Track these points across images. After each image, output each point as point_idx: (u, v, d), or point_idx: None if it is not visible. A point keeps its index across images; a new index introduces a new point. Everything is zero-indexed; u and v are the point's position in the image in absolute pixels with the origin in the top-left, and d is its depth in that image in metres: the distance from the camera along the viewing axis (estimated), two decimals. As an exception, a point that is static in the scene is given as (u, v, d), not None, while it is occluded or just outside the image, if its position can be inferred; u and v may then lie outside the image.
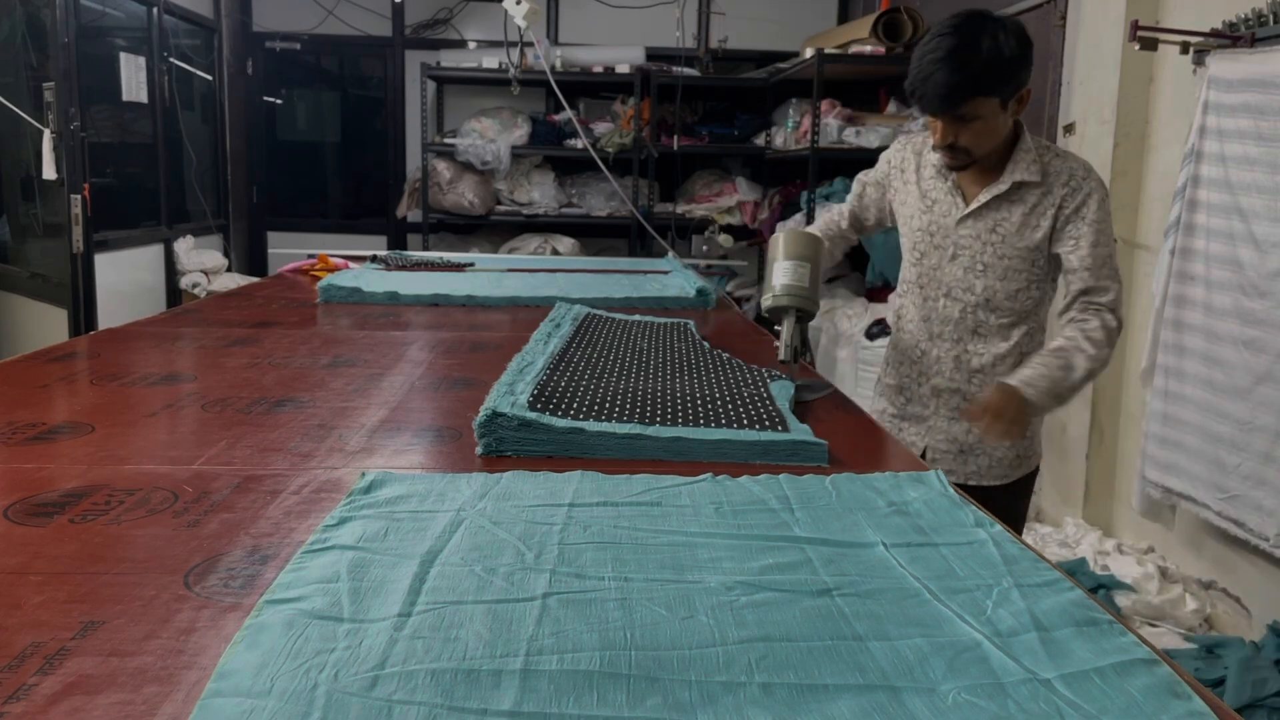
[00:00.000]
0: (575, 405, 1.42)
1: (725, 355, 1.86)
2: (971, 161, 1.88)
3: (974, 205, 1.92)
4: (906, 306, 2.09)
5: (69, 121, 4.31)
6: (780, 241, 1.84)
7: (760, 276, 6.50)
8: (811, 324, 3.15)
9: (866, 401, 2.17)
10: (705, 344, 1.98)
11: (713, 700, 0.72)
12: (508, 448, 1.30)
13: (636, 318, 2.29)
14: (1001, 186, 1.90)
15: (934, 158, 1.98)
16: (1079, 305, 1.87)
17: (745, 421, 1.39)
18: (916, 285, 2.05)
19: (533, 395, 1.42)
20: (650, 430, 1.33)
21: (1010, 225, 1.90)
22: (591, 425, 1.33)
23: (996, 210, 1.91)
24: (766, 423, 1.38)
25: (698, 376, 1.67)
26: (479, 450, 1.30)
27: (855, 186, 2.21)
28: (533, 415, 1.33)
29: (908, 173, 2.06)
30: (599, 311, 2.33)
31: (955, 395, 2.01)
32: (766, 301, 1.81)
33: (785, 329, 1.77)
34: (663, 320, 2.25)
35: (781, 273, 1.80)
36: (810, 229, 2.09)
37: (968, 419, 1.86)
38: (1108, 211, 1.88)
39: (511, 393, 1.43)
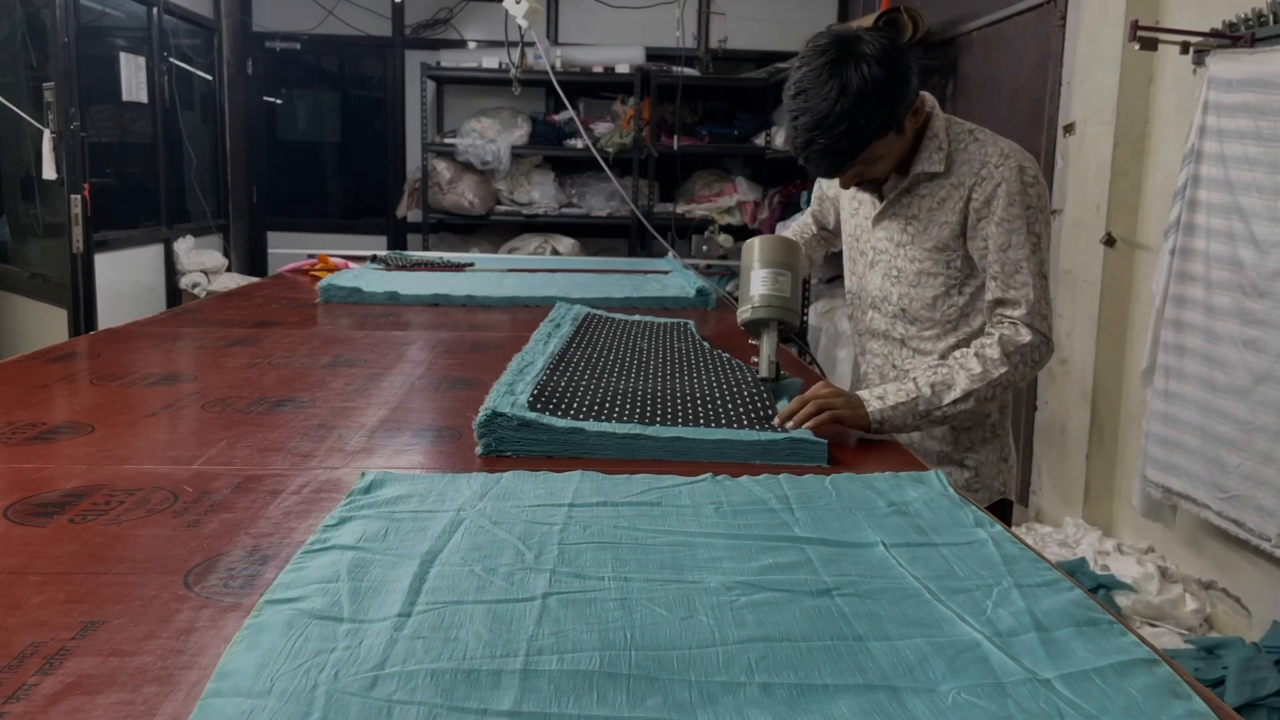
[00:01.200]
0: (575, 405, 1.42)
1: (725, 355, 1.86)
2: (884, 180, 1.73)
3: (883, 204, 1.76)
4: (854, 317, 1.94)
5: (69, 121, 4.31)
6: (755, 248, 1.69)
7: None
8: (810, 324, 3.00)
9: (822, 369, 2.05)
10: (705, 344, 1.98)
11: (713, 700, 0.72)
12: (507, 448, 1.30)
13: (636, 318, 2.29)
14: (904, 181, 1.71)
15: None
16: (992, 318, 1.67)
17: (745, 421, 1.39)
18: (853, 296, 1.90)
19: (532, 395, 1.42)
20: (650, 430, 1.33)
21: (919, 224, 1.72)
22: (591, 425, 1.33)
23: (907, 208, 1.73)
24: (766, 422, 1.38)
25: (698, 376, 1.67)
26: (479, 450, 1.30)
27: (814, 189, 2.07)
28: (532, 415, 1.33)
29: None
30: (599, 312, 2.33)
31: None
32: (744, 315, 1.66)
33: (764, 344, 1.62)
34: (663, 320, 2.25)
35: (759, 281, 1.65)
36: (786, 234, 1.97)
37: (781, 418, 1.46)
38: (1028, 204, 1.62)
39: (511, 393, 1.43)
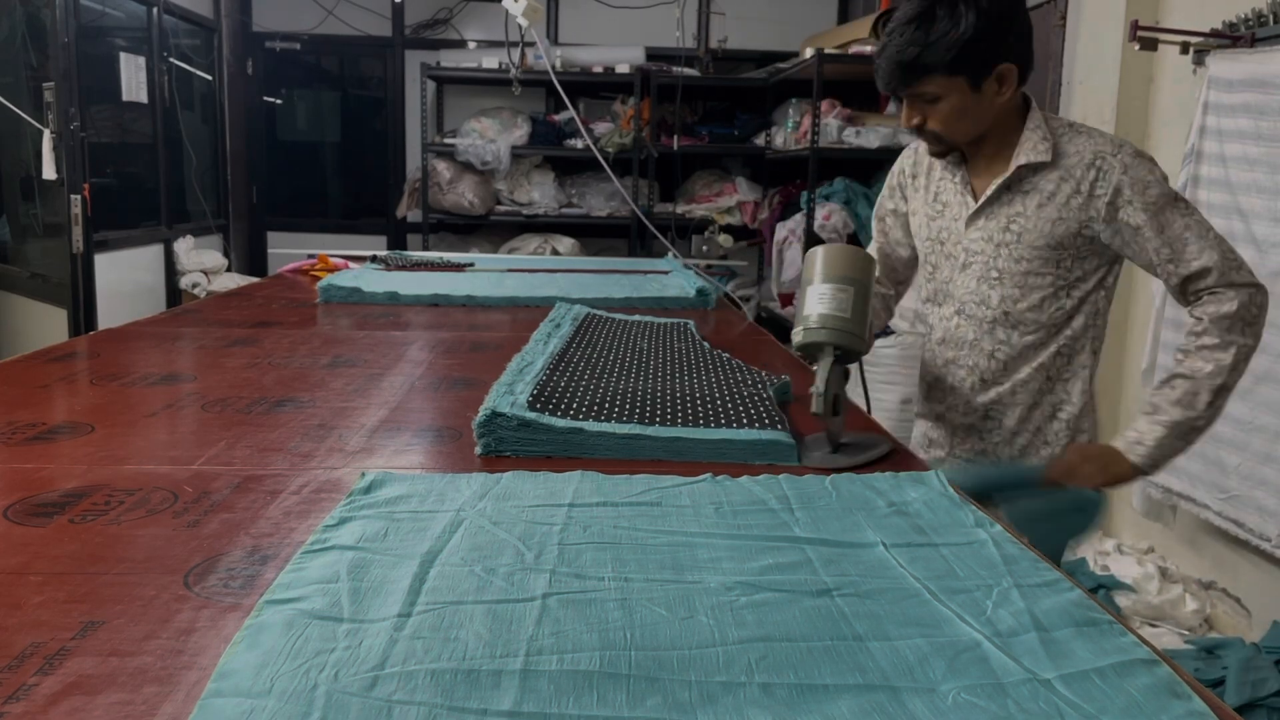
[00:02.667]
0: (575, 405, 1.42)
1: (725, 355, 1.86)
2: (949, 148, 1.67)
3: (981, 200, 1.68)
4: (930, 325, 1.85)
5: (69, 121, 4.31)
6: (817, 259, 1.43)
7: (760, 276, 6.50)
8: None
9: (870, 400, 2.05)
10: (705, 344, 1.98)
11: (713, 700, 0.72)
12: (507, 448, 1.30)
13: (636, 318, 2.29)
14: (1007, 174, 1.64)
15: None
16: (1191, 300, 1.60)
17: (745, 421, 1.39)
18: (933, 302, 1.82)
19: (532, 395, 1.42)
20: (650, 430, 1.33)
21: (1025, 220, 1.64)
22: (591, 425, 1.33)
23: (1009, 205, 1.65)
24: (766, 422, 1.38)
25: (698, 377, 1.67)
26: (478, 450, 1.30)
27: (874, 225, 1.94)
28: (532, 415, 1.33)
29: (919, 177, 1.82)
30: (599, 312, 2.33)
31: (971, 435, 1.78)
32: (798, 338, 1.41)
33: (821, 372, 1.34)
34: (663, 320, 2.25)
35: (817, 299, 1.39)
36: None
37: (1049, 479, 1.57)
38: (1155, 179, 1.57)
39: (511, 393, 1.43)
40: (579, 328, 2.08)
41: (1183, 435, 1.55)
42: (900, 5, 1.59)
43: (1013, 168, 1.64)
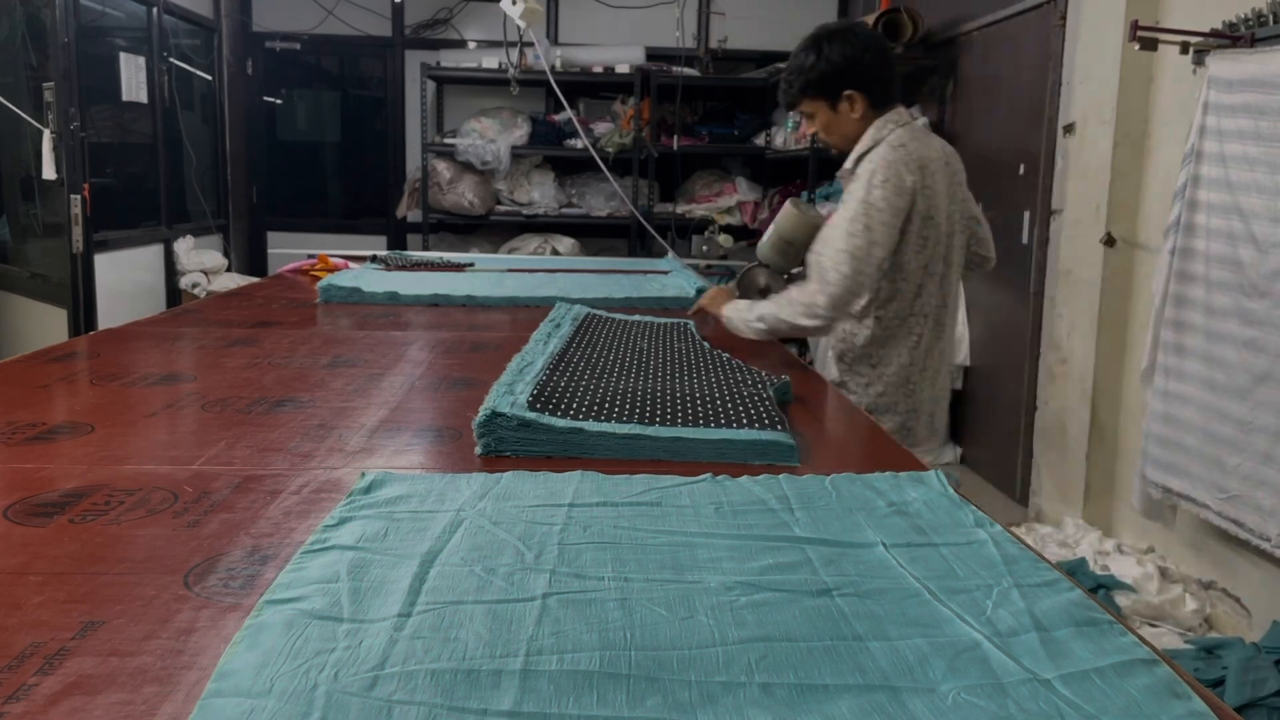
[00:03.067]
0: (575, 405, 1.42)
1: (725, 355, 1.86)
2: (839, 149, 2.20)
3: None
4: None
5: (69, 121, 4.31)
6: (781, 219, 2.22)
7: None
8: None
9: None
10: (705, 344, 1.98)
11: (713, 700, 0.72)
12: (507, 448, 1.30)
13: (636, 318, 2.29)
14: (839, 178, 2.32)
15: None
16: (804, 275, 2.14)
17: (745, 421, 1.39)
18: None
19: (532, 395, 1.42)
20: (650, 430, 1.33)
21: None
22: (591, 425, 1.33)
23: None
24: (767, 422, 1.38)
25: (698, 376, 1.67)
26: (478, 450, 1.30)
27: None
28: (532, 415, 1.33)
29: None
30: (599, 312, 2.33)
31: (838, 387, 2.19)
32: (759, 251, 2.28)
33: (739, 280, 2.29)
34: (663, 320, 2.25)
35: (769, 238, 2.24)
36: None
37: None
38: (871, 187, 2.01)
39: (511, 393, 1.43)
40: (579, 328, 2.08)
41: (748, 313, 2.13)
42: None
43: (842, 171, 2.19)
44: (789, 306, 2.05)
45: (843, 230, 1.99)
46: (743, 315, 2.13)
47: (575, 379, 1.59)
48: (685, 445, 1.31)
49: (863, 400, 2.17)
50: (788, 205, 2.23)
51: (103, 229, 4.84)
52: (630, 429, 1.33)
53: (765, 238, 2.23)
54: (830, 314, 2.01)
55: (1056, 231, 3.82)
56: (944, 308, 2.17)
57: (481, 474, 1.18)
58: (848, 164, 2.14)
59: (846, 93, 2.10)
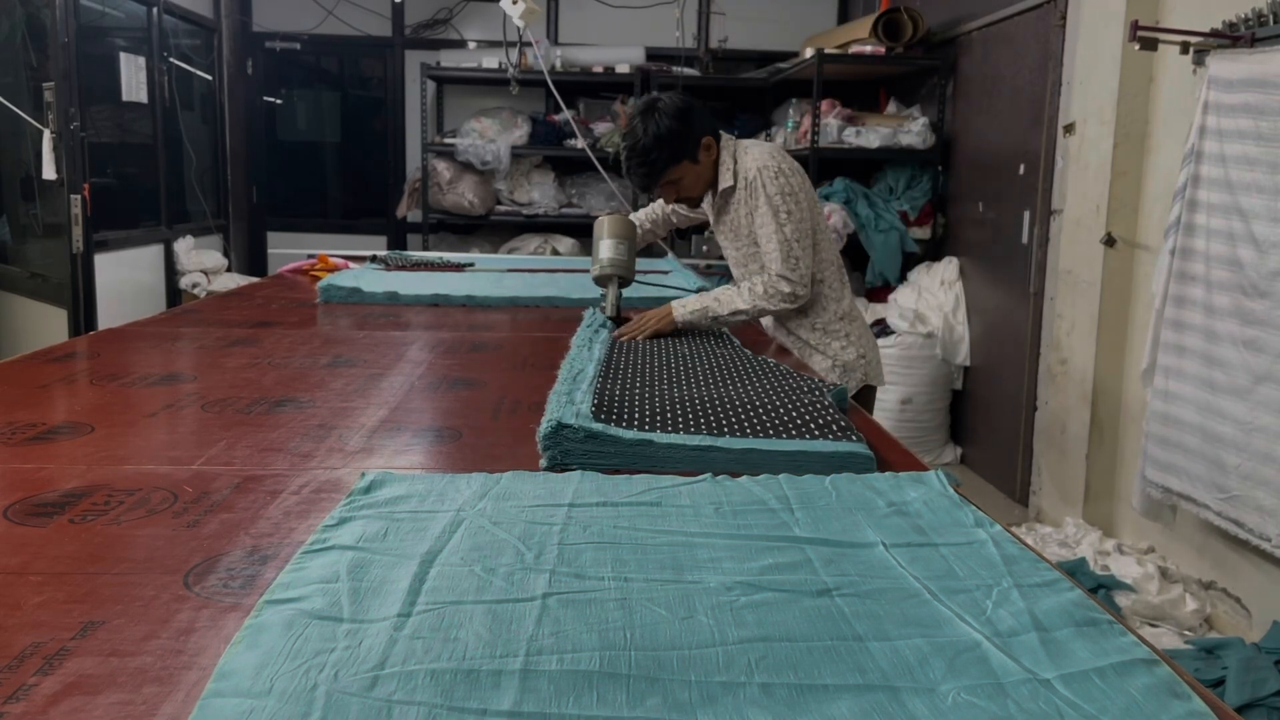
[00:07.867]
0: (637, 415, 1.37)
1: (772, 361, 1.83)
2: (699, 198, 2.39)
3: (713, 218, 2.47)
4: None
5: (69, 121, 4.31)
6: (605, 225, 2.35)
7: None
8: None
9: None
10: (737, 343, 1.98)
11: (712, 700, 0.72)
12: (574, 460, 1.25)
13: None
14: (713, 199, 2.41)
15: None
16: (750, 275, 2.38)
17: (817, 431, 1.34)
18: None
19: (594, 405, 1.37)
20: (721, 442, 1.28)
21: (738, 223, 2.37)
22: (660, 437, 1.29)
23: (726, 215, 2.40)
24: (839, 433, 1.33)
25: (750, 382, 1.63)
26: (543, 463, 1.25)
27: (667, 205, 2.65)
28: (599, 426, 1.28)
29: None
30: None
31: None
32: (594, 271, 2.32)
33: (610, 293, 2.28)
34: None
35: (607, 249, 2.30)
36: (632, 215, 2.63)
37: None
38: (777, 192, 2.25)
39: (571, 402, 1.38)
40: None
41: (710, 320, 2.24)
42: (622, 136, 2.31)
43: (718, 192, 2.37)
44: (763, 299, 2.26)
45: (771, 226, 2.25)
46: (715, 313, 2.25)
47: (628, 386, 1.55)
48: (759, 457, 1.26)
49: (844, 357, 2.44)
50: (602, 216, 2.40)
51: (103, 229, 4.84)
52: (701, 440, 1.28)
53: (602, 253, 2.31)
54: (802, 290, 2.28)
55: (1056, 231, 3.82)
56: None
57: (481, 474, 1.18)
58: (723, 186, 2.34)
59: (704, 141, 2.29)
